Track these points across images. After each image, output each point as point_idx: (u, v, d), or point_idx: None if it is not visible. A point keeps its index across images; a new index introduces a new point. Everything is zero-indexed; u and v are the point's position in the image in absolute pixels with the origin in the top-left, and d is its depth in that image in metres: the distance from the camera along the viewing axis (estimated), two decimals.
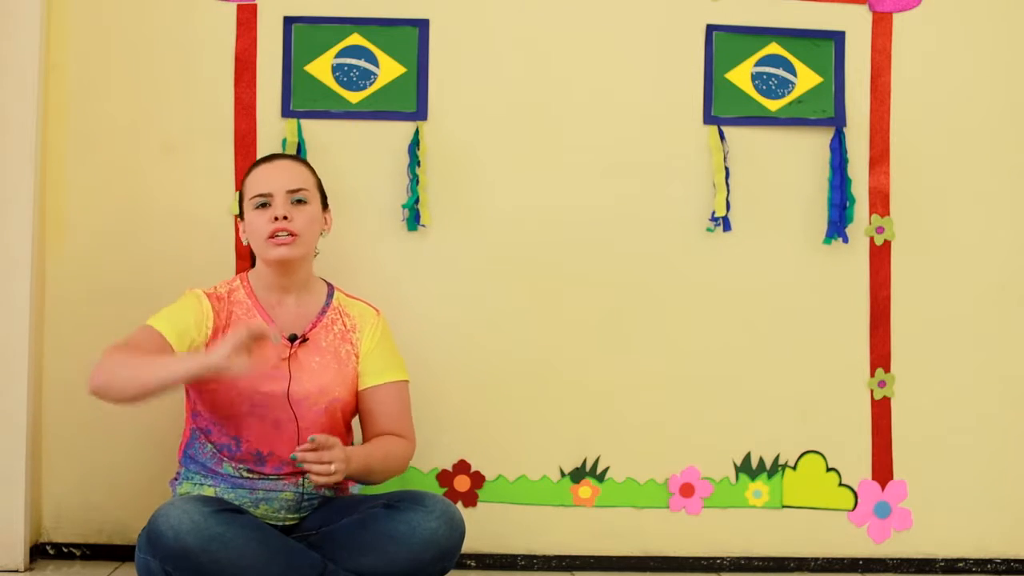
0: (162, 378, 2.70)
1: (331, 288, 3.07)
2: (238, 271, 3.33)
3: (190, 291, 3.00)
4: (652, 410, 3.43)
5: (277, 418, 2.93)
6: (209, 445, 2.96)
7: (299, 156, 3.19)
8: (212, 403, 2.93)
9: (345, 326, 3.02)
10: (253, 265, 3.10)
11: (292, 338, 2.96)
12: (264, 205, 2.96)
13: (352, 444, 3.07)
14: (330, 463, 2.74)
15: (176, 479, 3.01)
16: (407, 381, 3.06)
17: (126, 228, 3.34)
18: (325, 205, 3.06)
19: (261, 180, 2.98)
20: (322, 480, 2.75)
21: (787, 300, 3.45)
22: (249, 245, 3.02)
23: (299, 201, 2.97)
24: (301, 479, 2.95)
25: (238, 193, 3.07)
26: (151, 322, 2.92)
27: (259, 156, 3.33)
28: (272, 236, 2.93)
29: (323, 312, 3.02)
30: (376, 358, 3.02)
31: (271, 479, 2.94)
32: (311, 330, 2.99)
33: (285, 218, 2.93)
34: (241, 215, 3.03)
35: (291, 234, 2.93)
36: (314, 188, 3.02)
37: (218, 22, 3.35)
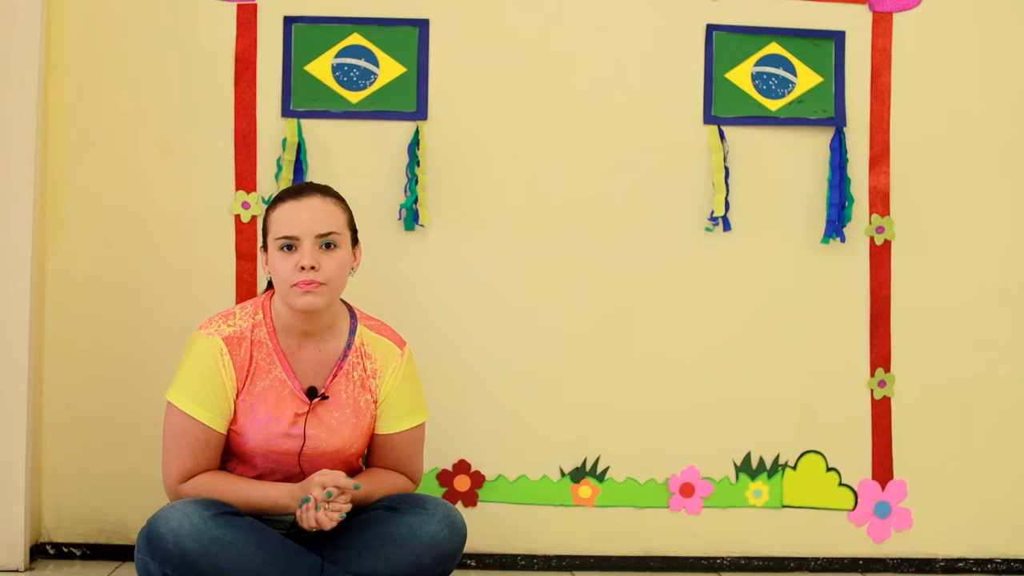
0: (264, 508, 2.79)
1: (353, 321, 2.92)
2: (238, 271, 3.33)
3: (207, 336, 2.83)
4: (652, 410, 3.43)
5: (289, 472, 2.89)
6: None
7: (330, 189, 2.91)
8: (224, 453, 2.89)
9: (366, 371, 2.90)
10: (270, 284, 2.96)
11: (311, 393, 2.85)
12: (290, 247, 2.79)
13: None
14: (339, 510, 2.72)
15: None
16: (424, 422, 2.98)
17: (126, 228, 3.34)
18: (355, 240, 2.90)
19: (288, 220, 2.80)
20: (327, 524, 2.70)
21: (787, 300, 3.45)
22: (270, 279, 2.88)
23: (329, 245, 2.81)
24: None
25: (261, 223, 2.93)
26: (186, 408, 2.79)
27: (259, 156, 3.34)
28: (297, 284, 2.78)
29: (344, 357, 2.89)
30: (394, 403, 2.92)
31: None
32: (331, 382, 2.87)
33: (313, 268, 2.77)
34: (264, 246, 2.87)
35: (319, 284, 2.78)
36: (345, 227, 2.85)
37: (218, 22, 3.34)
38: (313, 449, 2.86)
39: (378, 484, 2.90)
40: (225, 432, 2.84)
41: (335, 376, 2.88)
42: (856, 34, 3.45)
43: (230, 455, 2.89)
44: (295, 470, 2.88)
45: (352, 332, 2.92)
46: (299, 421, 2.85)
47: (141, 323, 3.34)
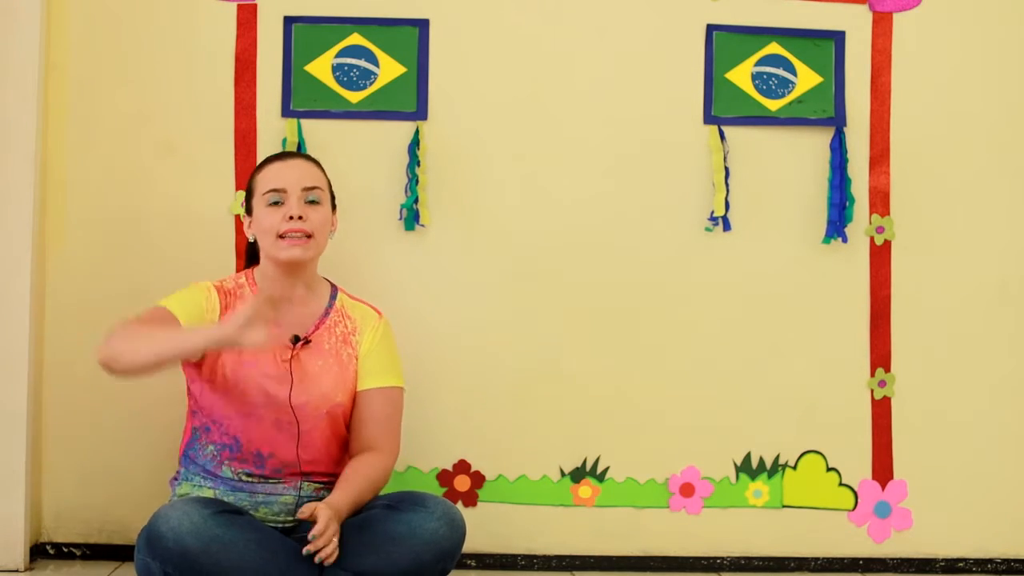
0: (177, 347, 2.70)
1: (334, 289, 3.06)
2: (238, 271, 3.33)
3: (197, 283, 2.98)
4: (652, 410, 3.43)
5: (278, 419, 2.92)
6: (210, 446, 2.95)
7: (312, 156, 3.11)
8: (213, 402, 2.93)
9: (347, 328, 3.01)
10: (250, 262, 3.09)
11: (295, 340, 2.94)
12: (277, 203, 2.94)
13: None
14: (333, 538, 2.73)
15: (176, 478, 3.01)
16: (401, 388, 3.03)
17: (126, 228, 3.34)
18: (333, 206, 3.05)
19: (276, 176, 2.96)
20: (330, 551, 2.71)
21: (787, 300, 3.45)
22: (255, 242, 2.99)
23: (313, 201, 2.96)
24: (299, 482, 2.95)
25: (245, 189, 3.03)
26: (162, 302, 2.91)
27: (259, 156, 3.34)
28: (284, 235, 2.92)
29: (326, 314, 3.00)
30: (373, 360, 3.00)
31: (271, 482, 2.94)
32: (314, 332, 2.97)
33: (300, 218, 2.92)
34: (248, 211, 3.00)
35: (306, 235, 2.92)
36: (326, 189, 3.01)
37: (218, 22, 3.35)
38: (300, 393, 2.91)
39: (356, 477, 2.90)
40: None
41: (317, 328, 2.98)
42: (856, 34, 3.45)
43: (216, 416, 2.93)
44: (287, 417, 2.91)
45: (333, 297, 3.04)
46: (284, 367, 2.92)
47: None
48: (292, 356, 2.93)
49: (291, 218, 2.91)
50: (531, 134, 3.40)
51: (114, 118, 3.34)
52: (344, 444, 3.02)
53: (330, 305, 3.01)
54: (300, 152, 3.12)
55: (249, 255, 3.10)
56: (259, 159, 3.34)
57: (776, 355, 3.45)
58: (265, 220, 2.94)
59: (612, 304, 3.42)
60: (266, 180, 2.96)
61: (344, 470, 2.94)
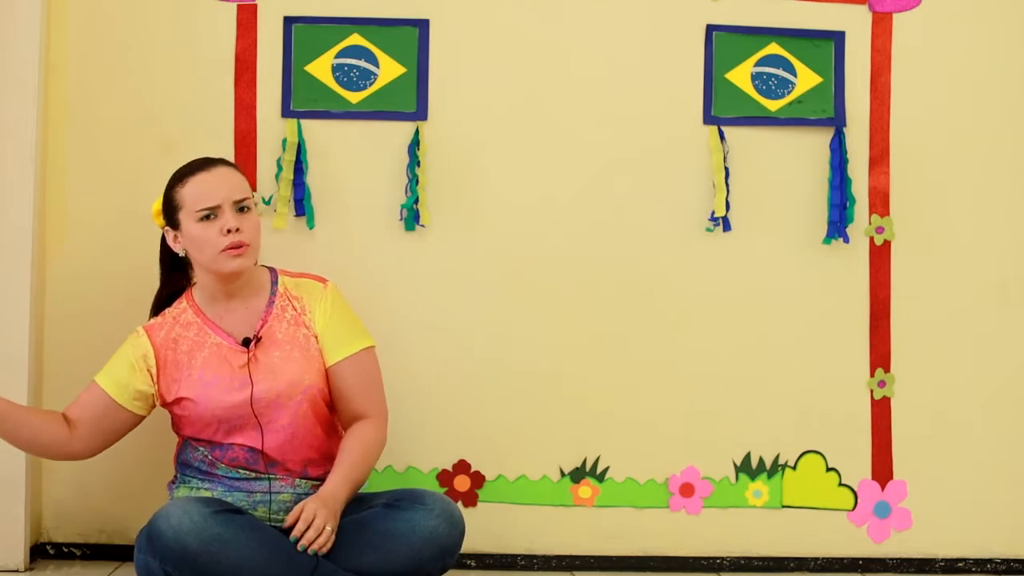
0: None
1: (274, 274, 3.04)
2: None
3: (132, 334, 3.00)
4: (652, 410, 3.43)
5: (255, 424, 2.92)
6: (201, 449, 2.97)
7: (228, 160, 3.05)
8: (190, 427, 2.96)
9: (296, 309, 2.99)
10: (168, 274, 3.06)
11: (245, 343, 2.93)
12: (208, 217, 2.90)
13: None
14: (323, 526, 2.75)
15: (174, 482, 3.02)
16: (371, 346, 3.02)
17: (126, 228, 3.33)
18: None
19: (207, 192, 2.91)
20: (323, 541, 2.74)
21: (787, 300, 3.45)
22: (185, 256, 2.97)
23: (243, 209, 2.93)
24: (296, 480, 2.96)
25: (163, 201, 2.98)
26: (96, 377, 2.97)
27: (259, 157, 3.34)
28: (225, 249, 2.89)
29: (271, 304, 2.99)
30: (333, 332, 2.98)
31: (265, 479, 2.94)
32: (262, 327, 2.96)
33: (238, 230, 2.89)
34: (173, 224, 2.95)
35: (245, 245, 2.90)
36: (250, 192, 2.99)
37: (218, 22, 3.35)
38: (265, 393, 2.90)
39: (344, 455, 2.91)
40: (117, 398, 2.94)
41: (265, 322, 2.96)
42: (856, 34, 3.45)
43: (195, 437, 2.96)
44: (253, 421, 2.91)
45: (275, 283, 3.02)
46: (243, 372, 2.91)
47: (138, 324, 3.33)
48: (249, 360, 2.92)
49: (229, 231, 2.88)
50: (531, 134, 3.40)
51: (114, 118, 3.34)
52: (334, 430, 3.02)
53: (273, 293, 3.00)
54: (218, 158, 3.01)
55: (172, 266, 3.05)
56: (259, 159, 3.34)
57: (776, 355, 3.45)
58: (202, 235, 2.90)
59: (612, 304, 3.42)
60: (196, 197, 2.91)
61: (341, 451, 2.94)
